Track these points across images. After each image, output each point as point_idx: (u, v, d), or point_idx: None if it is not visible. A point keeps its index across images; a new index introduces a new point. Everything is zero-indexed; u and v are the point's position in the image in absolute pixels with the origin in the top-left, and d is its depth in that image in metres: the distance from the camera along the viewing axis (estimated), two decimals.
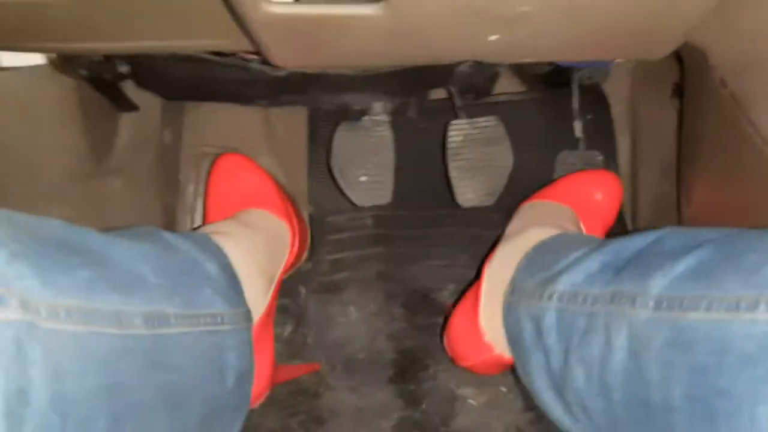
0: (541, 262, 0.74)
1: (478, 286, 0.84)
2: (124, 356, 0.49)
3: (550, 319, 0.66)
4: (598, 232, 0.91)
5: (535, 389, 0.71)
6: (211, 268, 0.68)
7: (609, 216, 0.93)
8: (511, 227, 0.89)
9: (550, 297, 0.67)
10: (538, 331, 0.68)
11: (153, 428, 0.53)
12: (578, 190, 0.93)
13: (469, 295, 0.87)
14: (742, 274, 0.48)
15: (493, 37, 0.64)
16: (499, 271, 0.80)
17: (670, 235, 0.60)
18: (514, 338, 0.75)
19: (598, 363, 0.58)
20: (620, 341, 0.56)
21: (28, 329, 0.42)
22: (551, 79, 1.06)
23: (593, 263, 0.64)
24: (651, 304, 0.54)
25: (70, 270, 0.47)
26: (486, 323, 0.81)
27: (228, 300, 0.67)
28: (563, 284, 0.66)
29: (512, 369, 0.95)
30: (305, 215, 1.07)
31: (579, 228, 0.88)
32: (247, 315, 0.72)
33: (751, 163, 0.69)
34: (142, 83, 0.93)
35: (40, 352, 0.42)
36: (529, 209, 0.92)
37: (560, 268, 0.68)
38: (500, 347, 0.79)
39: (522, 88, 1.12)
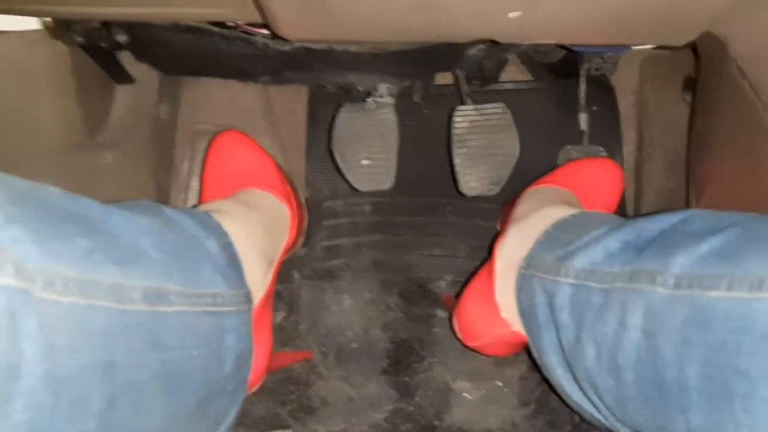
0: (561, 239, 0.72)
1: (491, 265, 0.82)
2: (121, 333, 0.47)
3: (563, 295, 0.66)
4: None
5: (547, 365, 0.71)
6: (212, 246, 0.66)
7: (610, 203, 0.92)
8: (520, 210, 0.87)
9: (566, 273, 0.66)
10: (551, 306, 0.67)
11: (148, 410, 0.50)
12: (580, 177, 0.92)
13: (481, 274, 0.85)
14: (766, 254, 0.47)
15: (513, 14, 0.61)
16: (514, 248, 0.79)
17: (696, 216, 0.58)
18: (526, 313, 0.74)
19: (611, 341, 0.58)
20: (635, 319, 0.55)
21: (22, 298, 0.39)
22: (559, 69, 1.04)
23: (613, 242, 0.63)
24: (671, 282, 0.53)
25: (68, 238, 0.45)
26: (501, 299, 0.79)
27: (229, 280, 0.65)
28: (581, 261, 0.65)
29: (507, 365, 0.94)
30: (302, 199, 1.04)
31: None
32: (248, 296, 0.69)
33: None
34: (140, 55, 0.90)
35: (35, 324, 0.39)
36: (536, 193, 0.91)
37: (579, 246, 0.67)
38: (516, 324, 0.78)
39: (528, 77, 1.11)
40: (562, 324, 0.65)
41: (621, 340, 0.56)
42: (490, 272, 0.82)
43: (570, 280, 0.65)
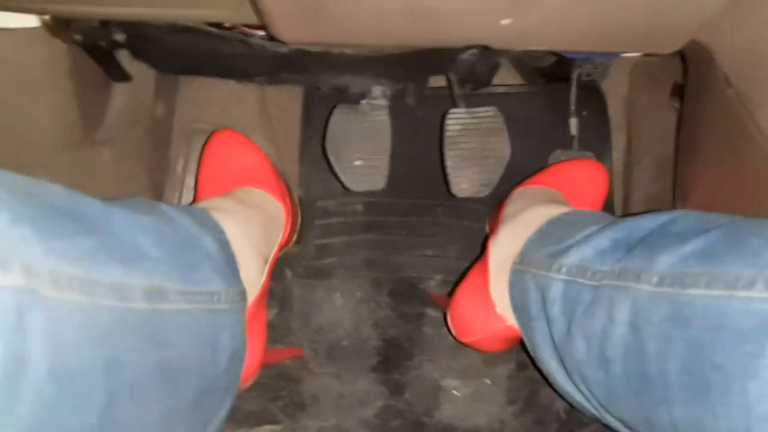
0: (554, 235, 0.74)
1: (484, 262, 0.84)
2: (123, 331, 0.48)
3: (555, 291, 0.68)
4: None
5: (540, 357, 0.73)
6: (210, 245, 0.67)
7: (596, 203, 0.95)
8: (511, 208, 0.89)
9: (558, 269, 0.68)
10: (544, 301, 0.70)
11: (147, 405, 0.51)
12: (567, 177, 0.95)
13: (475, 271, 0.87)
14: (744, 255, 0.49)
15: (505, 22, 0.63)
16: (507, 245, 0.81)
17: (683, 217, 0.61)
18: (519, 307, 0.76)
19: (599, 336, 0.60)
20: (622, 315, 0.57)
21: (29, 296, 0.40)
22: (550, 74, 1.06)
23: (604, 240, 0.66)
24: (654, 279, 0.55)
25: (71, 237, 0.46)
26: (496, 295, 0.81)
27: (225, 278, 0.66)
28: (573, 258, 0.67)
29: (496, 363, 0.95)
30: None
31: None
32: (243, 294, 0.70)
33: (754, 163, 0.68)
34: (137, 53, 0.91)
35: (41, 321, 0.40)
36: (525, 192, 0.93)
37: (571, 243, 0.70)
38: (510, 319, 0.80)
39: (520, 81, 1.12)
40: (554, 318, 0.68)
41: (609, 335, 0.59)
42: (484, 269, 0.83)
43: (562, 276, 0.68)
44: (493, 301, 0.81)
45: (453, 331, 0.89)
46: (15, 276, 0.39)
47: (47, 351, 0.40)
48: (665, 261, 0.55)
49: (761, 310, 0.46)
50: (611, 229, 0.66)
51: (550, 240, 0.74)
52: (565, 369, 0.68)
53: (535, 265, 0.73)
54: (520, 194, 0.93)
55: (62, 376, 0.41)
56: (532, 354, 0.77)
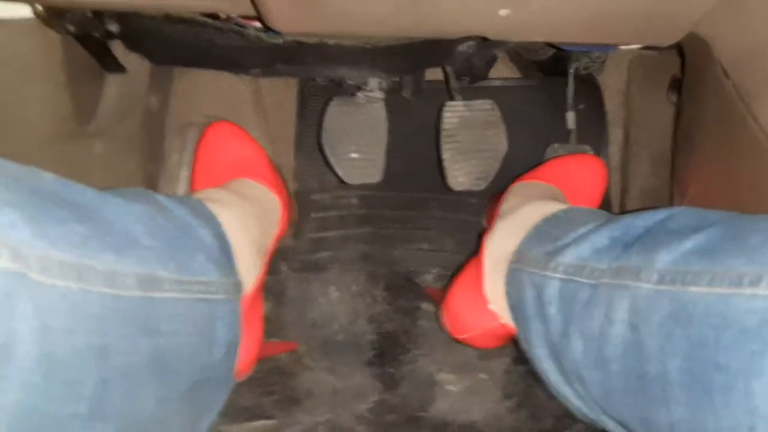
0: (550, 233, 0.74)
1: (479, 259, 0.83)
2: (115, 318, 0.47)
3: (552, 289, 0.67)
4: None
5: (535, 357, 0.72)
6: (205, 235, 0.66)
7: (594, 199, 0.94)
8: (507, 204, 0.88)
9: (555, 268, 0.67)
10: (540, 300, 0.69)
11: (140, 395, 0.51)
12: (565, 173, 0.94)
13: (469, 267, 0.86)
14: (746, 252, 0.48)
15: (503, 12, 0.62)
16: (502, 242, 0.80)
17: (681, 214, 0.60)
18: (515, 306, 0.75)
19: (598, 335, 0.59)
20: (621, 314, 0.56)
21: (18, 281, 0.39)
22: (548, 68, 1.05)
23: (601, 238, 0.65)
24: (654, 277, 0.54)
25: (63, 224, 0.45)
26: (490, 292, 0.80)
27: (221, 268, 0.65)
28: (569, 256, 0.66)
29: (491, 357, 0.95)
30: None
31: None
32: (238, 286, 0.70)
33: (751, 156, 0.68)
34: (131, 45, 0.90)
35: (30, 306, 0.39)
36: (522, 188, 0.92)
37: (568, 241, 0.69)
38: (504, 317, 0.79)
39: (517, 75, 1.12)
40: (551, 317, 0.67)
41: (607, 334, 0.58)
42: (479, 266, 0.83)
43: (559, 275, 0.67)
44: (486, 298, 0.80)
45: (447, 328, 0.88)
46: (3, 260, 0.38)
47: (36, 336, 0.40)
48: (665, 258, 0.54)
49: (766, 308, 0.45)
50: (608, 227, 0.65)
51: (547, 238, 0.73)
52: (561, 369, 0.67)
53: (531, 263, 0.73)
54: (516, 189, 0.92)
55: (51, 362, 0.41)
56: (527, 354, 0.76)
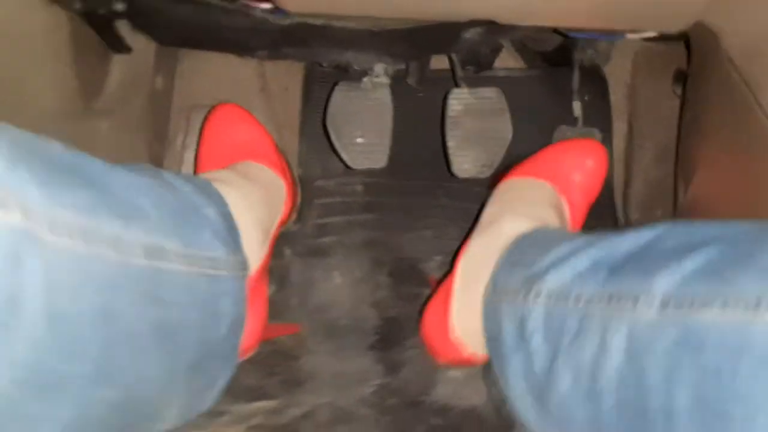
0: (523, 258, 0.70)
1: (451, 280, 0.80)
2: (121, 283, 0.48)
3: (536, 320, 0.63)
4: (580, 207, 0.87)
5: (513, 395, 0.68)
6: (211, 212, 0.66)
7: (591, 189, 0.88)
8: (486, 213, 0.86)
9: (536, 296, 0.63)
10: (521, 333, 0.64)
11: (145, 361, 0.51)
12: (557, 163, 0.88)
13: (442, 289, 0.83)
14: (760, 273, 0.45)
15: None
16: (474, 265, 0.77)
17: (669, 232, 0.56)
18: (493, 339, 0.71)
19: (590, 367, 0.55)
20: (617, 343, 0.52)
21: (27, 237, 0.40)
22: (553, 58, 1.06)
23: (582, 261, 0.61)
24: (656, 303, 0.50)
25: (72, 189, 0.45)
26: (458, 320, 0.78)
27: (227, 245, 0.65)
28: (550, 282, 0.62)
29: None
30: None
31: (558, 206, 0.85)
32: (244, 264, 0.70)
33: (758, 147, 0.68)
34: (137, 24, 0.90)
35: (38, 263, 0.40)
36: (504, 192, 0.88)
37: (545, 266, 0.65)
38: (473, 346, 0.76)
39: (522, 65, 1.12)
40: (534, 349, 0.63)
41: (601, 365, 0.54)
42: (449, 289, 0.80)
43: (541, 304, 0.63)
44: (450, 326, 0.78)
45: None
46: (12, 216, 0.39)
47: (43, 293, 0.40)
48: (665, 282, 0.50)
49: None
50: (588, 248, 0.61)
51: (521, 264, 0.69)
52: (540, 407, 0.63)
53: (509, 293, 0.68)
54: (500, 193, 0.89)
55: (58, 319, 0.41)
56: (503, 389, 0.71)
